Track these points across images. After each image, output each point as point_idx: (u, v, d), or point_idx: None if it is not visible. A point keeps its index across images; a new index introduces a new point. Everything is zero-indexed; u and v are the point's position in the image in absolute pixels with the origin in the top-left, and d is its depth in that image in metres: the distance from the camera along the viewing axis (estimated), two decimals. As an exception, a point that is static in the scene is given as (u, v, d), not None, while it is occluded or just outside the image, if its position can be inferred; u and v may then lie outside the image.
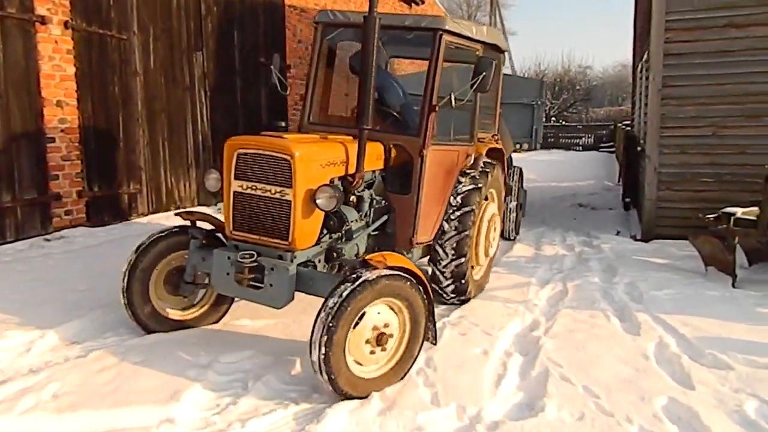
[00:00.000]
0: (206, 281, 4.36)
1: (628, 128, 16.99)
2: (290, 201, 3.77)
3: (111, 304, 4.78)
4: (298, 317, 4.78)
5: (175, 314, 4.52)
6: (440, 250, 5.22)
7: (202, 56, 9.32)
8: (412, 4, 17.75)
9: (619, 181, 16.46)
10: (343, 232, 4.34)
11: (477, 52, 5.38)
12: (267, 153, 3.84)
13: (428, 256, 5.40)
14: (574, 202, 12.32)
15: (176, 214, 4.44)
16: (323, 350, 3.26)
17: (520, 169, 9.12)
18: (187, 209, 4.73)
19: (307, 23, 11.92)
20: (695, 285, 6.05)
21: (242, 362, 4.03)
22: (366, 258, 3.64)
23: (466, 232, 5.20)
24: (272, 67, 5.17)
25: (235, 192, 3.95)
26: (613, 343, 4.57)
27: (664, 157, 8.39)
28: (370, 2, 3.94)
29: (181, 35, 8.91)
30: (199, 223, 4.37)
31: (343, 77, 5.84)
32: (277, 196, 3.81)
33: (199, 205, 9.36)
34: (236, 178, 3.94)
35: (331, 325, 3.27)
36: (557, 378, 3.93)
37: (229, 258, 3.90)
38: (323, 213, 3.99)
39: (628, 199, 11.23)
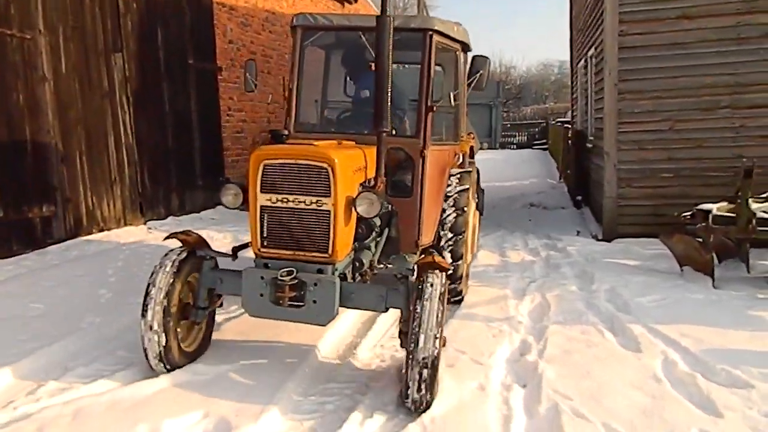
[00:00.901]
0: (220, 305, 4.18)
1: (567, 125, 17.04)
2: (329, 211, 3.61)
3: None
4: (241, 366, 4.03)
5: (187, 346, 4.01)
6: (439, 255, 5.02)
7: (122, 58, 8.32)
8: (345, 3, 17.12)
9: (560, 179, 16.46)
10: (372, 239, 4.21)
11: (456, 52, 5.46)
12: (301, 162, 3.62)
13: None
14: (525, 202, 12.04)
15: (169, 237, 4.05)
16: (432, 369, 3.33)
17: (477, 168, 8.67)
18: (182, 230, 4.14)
19: (238, 22, 11.06)
20: (677, 288, 5.74)
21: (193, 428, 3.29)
22: (422, 263, 3.66)
23: (461, 235, 5.19)
24: (247, 75, 5.10)
25: (262, 206, 3.68)
26: (617, 365, 4.11)
27: (622, 154, 8.15)
28: (383, 3, 3.80)
29: (97, 35, 7.90)
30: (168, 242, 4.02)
31: (324, 81, 5.80)
32: (313, 206, 3.62)
33: (127, 224, 8.36)
34: (263, 191, 3.67)
35: (437, 336, 3.33)
36: (570, 414, 3.41)
37: (262, 278, 3.65)
38: (356, 221, 3.88)
39: (579, 197, 11.04)
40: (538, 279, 6.35)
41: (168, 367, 3.81)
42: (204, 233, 8.55)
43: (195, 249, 3.98)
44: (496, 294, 5.78)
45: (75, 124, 7.53)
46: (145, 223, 8.65)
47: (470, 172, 5.63)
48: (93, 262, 6.53)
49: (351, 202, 3.72)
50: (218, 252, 4.11)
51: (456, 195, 5.34)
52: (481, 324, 4.93)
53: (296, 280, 3.58)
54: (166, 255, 3.85)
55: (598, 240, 8.27)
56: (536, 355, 4.28)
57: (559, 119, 29.12)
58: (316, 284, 3.59)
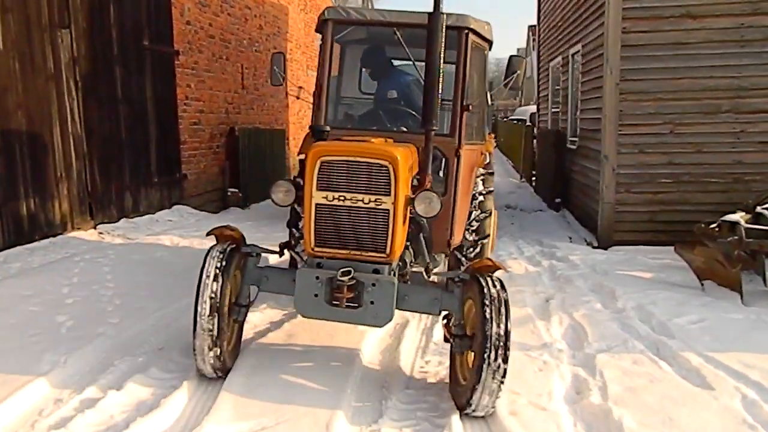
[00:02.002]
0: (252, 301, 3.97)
1: (528, 123, 16.80)
2: (388, 210, 3.55)
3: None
4: (291, 370, 3.50)
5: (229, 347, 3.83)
6: (462, 257, 5.04)
7: (69, 35, 7.16)
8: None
9: (522, 179, 16.21)
10: (422, 238, 4.11)
11: (485, 51, 5.41)
12: (361, 160, 3.54)
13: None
14: (500, 204, 11.58)
15: (208, 234, 3.88)
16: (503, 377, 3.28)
17: None
18: (219, 226, 3.92)
19: (195, 2, 9.98)
20: (709, 307, 5.34)
21: None
22: (479, 265, 3.61)
23: (487, 239, 5.14)
24: (275, 68, 4.93)
25: (317, 204, 3.59)
26: (696, 407, 3.60)
27: (622, 158, 7.77)
28: (436, 1, 3.71)
29: (41, 7, 6.73)
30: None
31: (352, 76, 5.66)
32: (372, 205, 3.55)
33: (75, 229, 7.24)
34: (319, 189, 3.58)
35: (506, 344, 3.30)
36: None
37: (317, 278, 3.55)
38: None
39: (558, 200, 10.68)
40: (554, 295, 5.82)
41: (220, 373, 3.70)
42: (166, 238, 7.70)
43: (239, 244, 3.82)
44: (519, 314, 5.18)
45: (13, 111, 6.38)
46: (95, 227, 7.55)
47: (493, 173, 5.63)
48: (41, 278, 5.47)
49: (408, 201, 3.62)
50: (264, 248, 3.98)
51: (482, 197, 5.30)
52: (519, 353, 4.32)
53: (354, 281, 3.48)
54: (211, 252, 3.65)
55: (594, 247, 7.88)
56: (599, 396, 3.71)
57: (512, 117, 29.15)
58: (374, 285, 3.50)
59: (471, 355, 3.49)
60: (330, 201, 3.55)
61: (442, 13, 3.70)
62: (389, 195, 3.51)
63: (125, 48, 8.17)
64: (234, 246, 3.76)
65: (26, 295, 5.00)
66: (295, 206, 4.58)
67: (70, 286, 5.34)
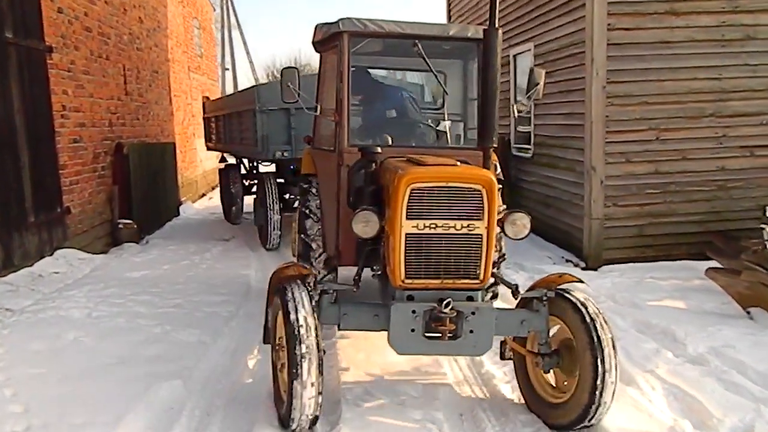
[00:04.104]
0: None
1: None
2: (481, 235, 3.46)
3: None
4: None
5: None
6: None
7: None
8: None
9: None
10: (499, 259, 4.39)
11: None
12: (453, 185, 3.43)
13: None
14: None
15: (280, 271, 3.67)
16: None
17: None
18: (291, 263, 3.68)
19: (66, -16, 7.74)
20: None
21: None
22: (561, 281, 3.64)
23: (504, 258, 5.01)
24: (288, 84, 4.60)
25: (408, 234, 3.42)
26: None
27: (608, 168, 7.03)
28: (491, 14, 3.67)
29: None
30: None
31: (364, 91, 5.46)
32: (464, 231, 3.44)
33: None
34: (409, 217, 3.41)
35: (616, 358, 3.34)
36: None
37: (414, 311, 3.41)
38: None
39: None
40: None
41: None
42: (66, 304, 5.54)
43: (314, 282, 3.67)
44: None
45: None
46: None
47: (501, 188, 5.07)
48: None
49: (496, 223, 3.55)
50: (340, 284, 3.87)
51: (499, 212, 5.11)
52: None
53: (454, 312, 3.41)
54: (289, 293, 3.39)
55: (583, 269, 7.07)
56: None
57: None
58: (473, 313, 3.45)
59: (557, 372, 3.57)
60: (420, 230, 3.43)
61: (497, 28, 3.63)
62: (481, 219, 3.43)
63: (-20, 41, 5.91)
64: (307, 284, 3.53)
65: None
66: (308, 213, 5.08)
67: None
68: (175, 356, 4.36)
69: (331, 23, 4.78)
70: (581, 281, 3.72)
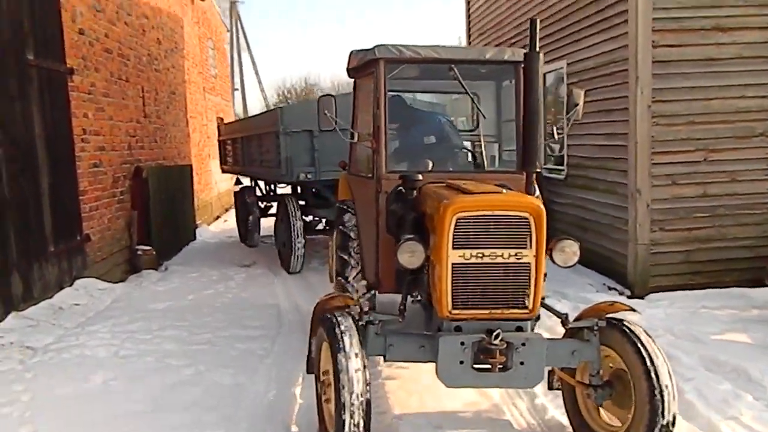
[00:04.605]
0: None
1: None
2: (529, 263, 3.34)
3: None
4: None
5: None
6: None
7: None
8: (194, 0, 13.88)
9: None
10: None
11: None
12: (500, 213, 3.34)
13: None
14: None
15: (324, 303, 3.60)
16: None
17: None
18: (338, 294, 3.57)
19: (89, 4, 7.52)
20: None
21: None
22: (611, 310, 3.55)
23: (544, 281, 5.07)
24: (326, 112, 4.51)
25: (454, 264, 3.34)
26: None
27: (654, 191, 6.70)
28: (531, 37, 3.66)
29: None
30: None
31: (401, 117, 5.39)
32: (512, 260, 3.34)
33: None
34: (455, 247, 3.33)
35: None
36: None
37: (462, 343, 3.29)
38: None
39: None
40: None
41: None
42: (91, 342, 5.18)
43: (359, 312, 3.54)
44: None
45: None
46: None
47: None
48: None
49: (550, 251, 3.53)
50: (386, 314, 3.64)
51: None
52: None
53: (504, 343, 3.26)
54: (334, 325, 3.25)
55: (629, 297, 6.71)
56: None
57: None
58: (524, 344, 3.31)
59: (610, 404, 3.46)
60: (467, 260, 3.36)
61: (538, 52, 3.63)
62: (529, 247, 3.34)
63: (2, 64, 5.65)
64: (352, 316, 3.44)
65: None
66: (346, 230, 5.05)
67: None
68: (213, 402, 4.02)
69: (367, 50, 4.77)
70: (634, 310, 3.59)
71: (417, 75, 5.32)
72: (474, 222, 3.32)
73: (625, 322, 3.40)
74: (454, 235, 3.31)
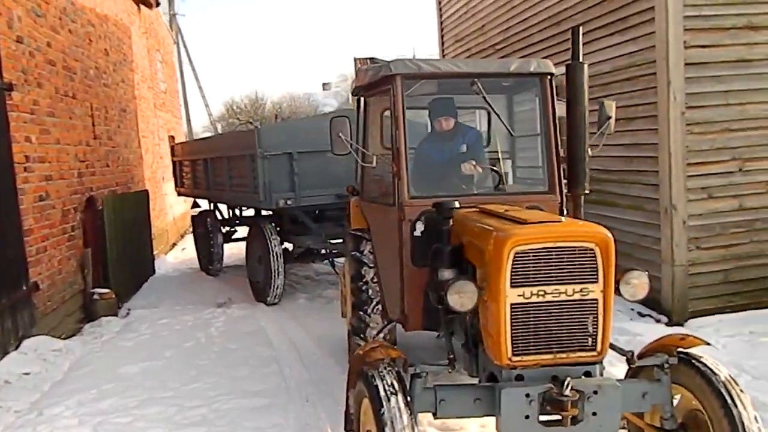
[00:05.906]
0: None
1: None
2: (596, 299, 3.06)
3: None
4: None
5: None
6: None
7: None
8: (142, 6, 12.66)
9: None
10: None
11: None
12: (562, 245, 3.02)
13: None
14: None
15: (361, 356, 3.20)
16: None
17: None
18: (373, 344, 3.19)
19: (27, 9, 6.31)
20: None
21: None
22: (682, 344, 3.23)
23: None
24: (339, 135, 4.20)
25: (513, 305, 3.02)
26: None
27: (690, 206, 6.07)
28: (573, 47, 3.70)
29: None
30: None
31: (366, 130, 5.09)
32: (577, 296, 3.04)
33: None
34: (514, 285, 3.01)
35: None
36: None
37: (528, 395, 2.95)
38: None
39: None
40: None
41: None
42: (43, 427, 4.10)
43: (403, 364, 3.21)
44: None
45: None
46: None
47: None
48: None
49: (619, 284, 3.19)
50: (434, 364, 3.42)
51: None
52: None
53: (575, 393, 2.93)
54: (376, 381, 2.94)
55: (668, 324, 6.06)
56: None
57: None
58: (596, 392, 2.98)
59: None
60: (528, 298, 3.02)
61: (582, 63, 3.66)
62: (596, 282, 3.03)
63: None
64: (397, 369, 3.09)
65: None
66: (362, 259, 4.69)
67: None
68: None
69: (380, 66, 4.50)
70: (708, 344, 3.28)
71: (433, 91, 4.94)
72: (534, 256, 3.00)
73: (701, 358, 3.11)
74: (512, 271, 2.98)
